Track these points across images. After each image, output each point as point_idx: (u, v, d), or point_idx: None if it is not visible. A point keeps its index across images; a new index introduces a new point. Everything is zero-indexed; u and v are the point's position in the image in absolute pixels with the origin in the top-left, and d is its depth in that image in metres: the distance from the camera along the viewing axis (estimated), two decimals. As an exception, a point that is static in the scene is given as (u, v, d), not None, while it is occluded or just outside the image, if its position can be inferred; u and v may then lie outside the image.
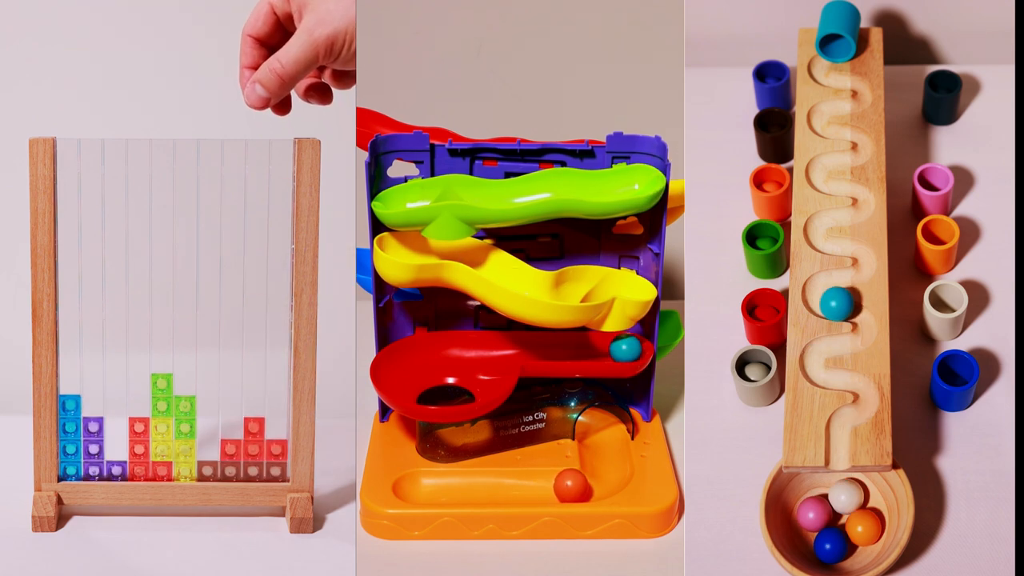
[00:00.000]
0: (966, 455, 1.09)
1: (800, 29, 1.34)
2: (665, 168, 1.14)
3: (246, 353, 1.12)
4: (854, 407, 1.04)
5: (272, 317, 1.12)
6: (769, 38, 1.40)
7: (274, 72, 1.01)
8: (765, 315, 1.18)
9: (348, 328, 1.33)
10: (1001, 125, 1.32)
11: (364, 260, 1.24)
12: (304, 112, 1.40)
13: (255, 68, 1.04)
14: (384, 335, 1.22)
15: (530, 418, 1.20)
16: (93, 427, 1.14)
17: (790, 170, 1.27)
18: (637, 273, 1.20)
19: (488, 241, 1.20)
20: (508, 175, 1.18)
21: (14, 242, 1.37)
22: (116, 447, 1.14)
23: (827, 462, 1.02)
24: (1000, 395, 1.12)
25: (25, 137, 1.09)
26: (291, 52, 1.00)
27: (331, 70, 1.08)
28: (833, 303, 1.10)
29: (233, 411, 1.15)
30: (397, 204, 1.14)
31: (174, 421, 1.14)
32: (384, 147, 1.17)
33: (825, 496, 1.07)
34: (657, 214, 1.17)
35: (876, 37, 1.32)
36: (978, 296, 1.19)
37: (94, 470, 1.14)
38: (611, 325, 1.13)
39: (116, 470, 1.15)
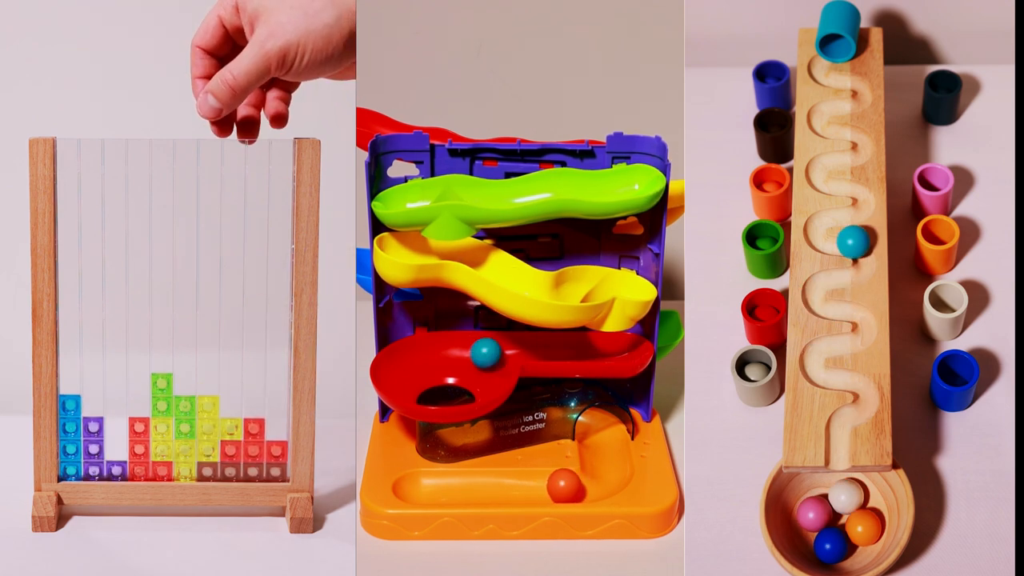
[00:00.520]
0: (966, 455, 1.09)
1: (800, 29, 1.34)
2: (665, 168, 1.14)
3: (246, 353, 1.12)
4: (854, 407, 1.04)
5: (272, 317, 1.12)
6: (769, 38, 1.40)
7: (226, 83, 1.01)
8: (765, 315, 1.18)
9: (348, 328, 1.33)
10: (1001, 125, 1.32)
11: (364, 260, 1.24)
12: (304, 112, 1.40)
13: (206, 78, 1.04)
14: (384, 335, 1.22)
15: (530, 418, 1.20)
16: (93, 427, 1.14)
17: (790, 170, 1.27)
18: (637, 273, 1.20)
19: (488, 241, 1.20)
20: (508, 175, 1.18)
21: (14, 242, 1.37)
22: (116, 447, 1.14)
23: (827, 462, 1.02)
24: (1000, 395, 1.12)
25: (25, 137, 1.09)
26: (243, 64, 1.00)
27: (282, 94, 1.07)
28: (850, 241, 1.12)
29: (233, 411, 1.14)
30: (397, 204, 1.14)
31: (174, 421, 1.14)
32: (384, 147, 1.17)
33: (825, 496, 1.07)
34: (657, 214, 1.17)
35: (876, 37, 1.32)
36: (978, 296, 1.19)
37: (94, 470, 1.14)
38: (611, 325, 1.13)
39: (116, 470, 1.15)
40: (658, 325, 1.20)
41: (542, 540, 1.10)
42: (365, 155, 1.16)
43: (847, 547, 1.04)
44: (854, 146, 1.23)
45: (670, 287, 1.55)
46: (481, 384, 1.18)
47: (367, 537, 1.10)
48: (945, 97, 1.32)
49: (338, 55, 1.01)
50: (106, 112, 1.40)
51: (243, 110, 1.06)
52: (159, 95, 1.40)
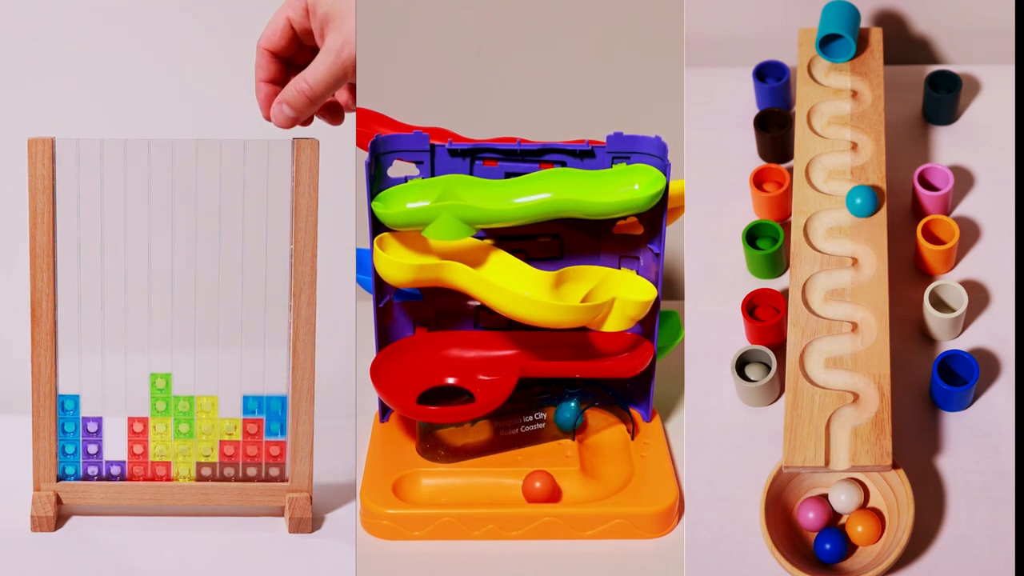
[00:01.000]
0: (966, 455, 1.09)
1: (800, 29, 1.34)
2: (665, 168, 1.14)
3: (245, 353, 1.12)
4: (854, 407, 1.04)
5: (271, 317, 1.12)
6: (769, 38, 1.40)
7: (302, 93, 1.00)
8: (765, 315, 1.18)
9: (348, 328, 1.33)
10: (1001, 125, 1.32)
11: (364, 260, 1.24)
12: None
13: (271, 82, 1.03)
14: (384, 335, 1.22)
15: (530, 418, 1.19)
16: (92, 427, 1.14)
17: (790, 170, 1.27)
18: (637, 273, 1.19)
19: (488, 241, 1.20)
20: (508, 175, 1.18)
21: (13, 242, 1.37)
22: (115, 447, 1.14)
23: (827, 462, 1.02)
24: (1000, 395, 1.12)
25: (24, 137, 1.09)
26: (319, 72, 1.00)
27: (348, 86, 1.07)
28: (858, 200, 1.14)
29: (232, 412, 1.14)
30: (397, 204, 1.14)
31: (173, 421, 1.14)
32: (384, 147, 1.17)
33: (825, 496, 1.07)
34: (657, 214, 1.17)
35: (876, 37, 1.32)
36: (978, 296, 1.19)
37: (93, 470, 1.14)
38: (611, 325, 1.13)
39: (115, 470, 1.15)
40: (658, 325, 1.20)
41: (542, 540, 1.10)
42: (365, 155, 1.16)
43: (847, 547, 1.04)
44: (854, 146, 1.23)
45: (670, 287, 1.55)
46: (481, 384, 1.18)
47: (367, 537, 1.10)
48: (945, 97, 1.32)
49: None
50: (105, 112, 1.40)
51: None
52: (159, 95, 1.40)
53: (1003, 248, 1.22)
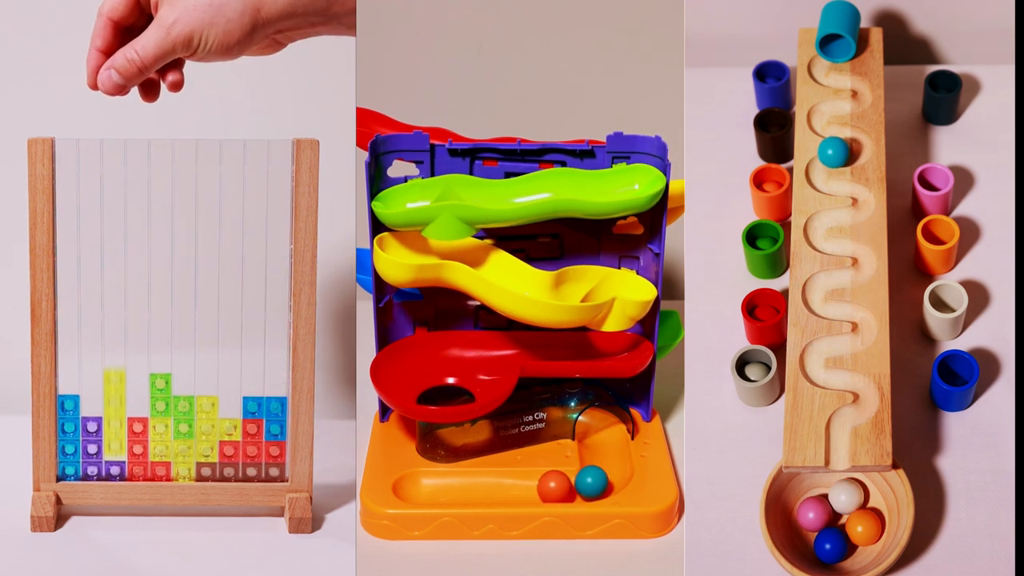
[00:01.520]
0: (966, 455, 1.09)
1: (800, 29, 1.33)
2: (665, 168, 1.14)
3: (245, 354, 1.12)
4: (854, 407, 1.04)
5: (271, 317, 1.12)
6: (769, 38, 1.40)
7: (131, 62, 1.01)
8: (765, 315, 1.18)
9: (348, 328, 1.33)
10: (1001, 125, 1.32)
11: (364, 260, 1.24)
12: (304, 112, 1.41)
13: (105, 51, 1.04)
14: (384, 335, 1.22)
15: (530, 418, 1.19)
16: (92, 427, 1.14)
17: (790, 170, 1.27)
18: (637, 273, 1.19)
19: (488, 241, 1.20)
20: (508, 175, 1.18)
21: (13, 242, 1.37)
22: (115, 447, 1.14)
23: (827, 462, 1.02)
24: (1000, 395, 1.12)
25: (24, 137, 1.09)
26: (148, 45, 1.01)
27: (177, 63, 1.06)
28: (830, 151, 1.17)
29: (232, 412, 1.14)
30: (397, 204, 1.14)
31: (172, 421, 1.14)
32: (384, 147, 1.17)
33: (825, 496, 1.07)
34: (657, 214, 1.17)
35: (876, 37, 1.32)
36: (978, 296, 1.19)
37: (92, 470, 1.14)
38: (611, 325, 1.13)
39: (115, 470, 1.15)
40: (658, 325, 1.20)
41: (542, 540, 1.10)
42: (365, 155, 1.16)
43: (847, 547, 1.04)
44: (854, 146, 1.23)
45: (670, 287, 1.55)
46: (481, 384, 1.18)
47: (367, 537, 1.10)
48: (945, 97, 1.32)
49: (239, 47, 1.01)
50: (105, 112, 1.39)
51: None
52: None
53: (1003, 248, 1.22)
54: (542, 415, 1.20)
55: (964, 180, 1.28)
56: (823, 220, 1.18)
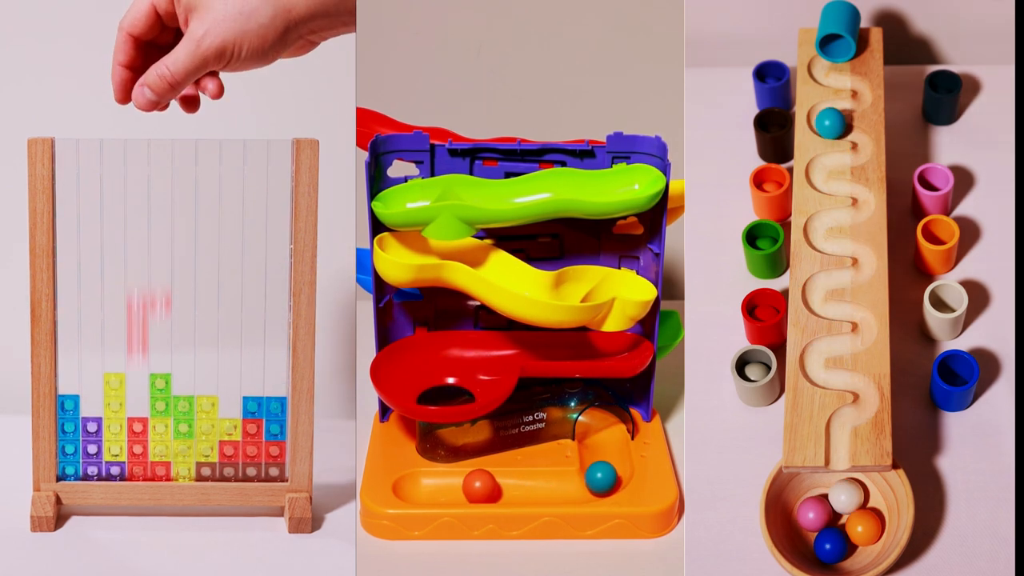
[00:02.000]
0: (966, 455, 1.09)
1: (800, 29, 1.34)
2: (665, 168, 1.14)
3: (245, 354, 1.12)
4: (854, 407, 1.04)
5: (271, 317, 1.12)
6: (769, 38, 1.40)
7: (163, 79, 1.00)
8: (765, 315, 1.18)
9: (348, 328, 1.33)
10: (1001, 125, 1.32)
11: (364, 260, 1.24)
12: (304, 112, 1.41)
13: (129, 66, 1.03)
14: (384, 335, 1.22)
15: (530, 418, 1.19)
16: (91, 427, 1.14)
17: (790, 170, 1.27)
18: (637, 273, 1.19)
19: (488, 241, 1.20)
20: (508, 175, 1.18)
21: (13, 242, 1.37)
22: (114, 447, 1.14)
23: (827, 462, 1.02)
24: (1000, 395, 1.12)
25: (24, 137, 1.09)
26: (180, 60, 1.00)
27: (213, 74, 1.06)
28: (827, 122, 1.18)
29: (232, 412, 1.14)
30: (397, 204, 1.14)
31: (172, 421, 1.14)
32: (384, 147, 1.17)
33: (825, 496, 1.07)
34: (657, 214, 1.17)
35: (876, 37, 1.32)
36: (978, 296, 1.19)
37: (92, 470, 1.14)
38: (611, 325, 1.13)
39: (115, 470, 1.15)
40: (658, 325, 1.20)
41: (542, 540, 1.10)
42: (365, 155, 1.16)
43: (847, 547, 1.04)
44: (854, 146, 1.23)
45: (670, 287, 1.55)
46: (481, 384, 1.18)
47: (367, 537, 1.10)
48: (945, 97, 1.32)
49: (273, 51, 1.01)
50: (104, 112, 1.39)
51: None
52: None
53: (1003, 248, 1.22)
54: (542, 415, 1.20)
55: (964, 180, 1.29)
56: (823, 220, 1.18)
